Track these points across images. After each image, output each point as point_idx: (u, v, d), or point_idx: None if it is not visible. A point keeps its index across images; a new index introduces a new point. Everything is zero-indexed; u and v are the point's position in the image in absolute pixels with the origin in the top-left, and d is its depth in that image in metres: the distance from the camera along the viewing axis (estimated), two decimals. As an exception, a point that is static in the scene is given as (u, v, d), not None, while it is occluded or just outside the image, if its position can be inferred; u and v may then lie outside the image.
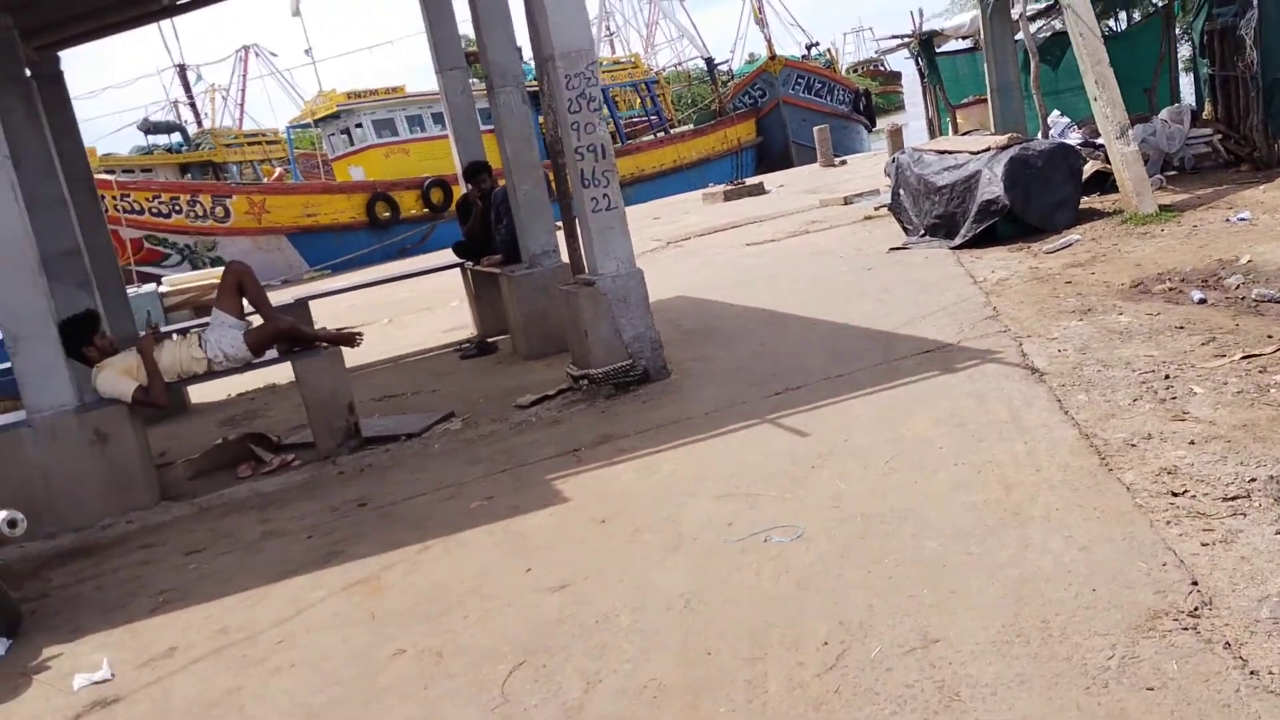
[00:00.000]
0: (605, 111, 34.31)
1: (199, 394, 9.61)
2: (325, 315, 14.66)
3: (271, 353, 6.52)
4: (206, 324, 6.55)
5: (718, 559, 3.94)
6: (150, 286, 14.38)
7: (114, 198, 22.45)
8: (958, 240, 9.91)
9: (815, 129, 27.07)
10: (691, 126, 36.61)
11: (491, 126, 8.99)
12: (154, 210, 23.18)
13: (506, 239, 9.37)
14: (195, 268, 22.56)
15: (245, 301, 6.43)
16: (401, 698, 3.40)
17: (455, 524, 4.93)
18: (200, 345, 6.27)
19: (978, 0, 13.41)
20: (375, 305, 15.22)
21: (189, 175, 31.20)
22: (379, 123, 28.72)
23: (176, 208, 23.35)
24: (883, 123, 32.12)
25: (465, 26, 10.87)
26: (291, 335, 6.48)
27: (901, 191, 11.31)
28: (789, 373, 6.54)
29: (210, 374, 6.37)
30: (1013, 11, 12.70)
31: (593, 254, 6.99)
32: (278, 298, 14.39)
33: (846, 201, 16.66)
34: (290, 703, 3.53)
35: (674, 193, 28.86)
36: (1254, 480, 3.63)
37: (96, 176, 24.43)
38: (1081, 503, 3.77)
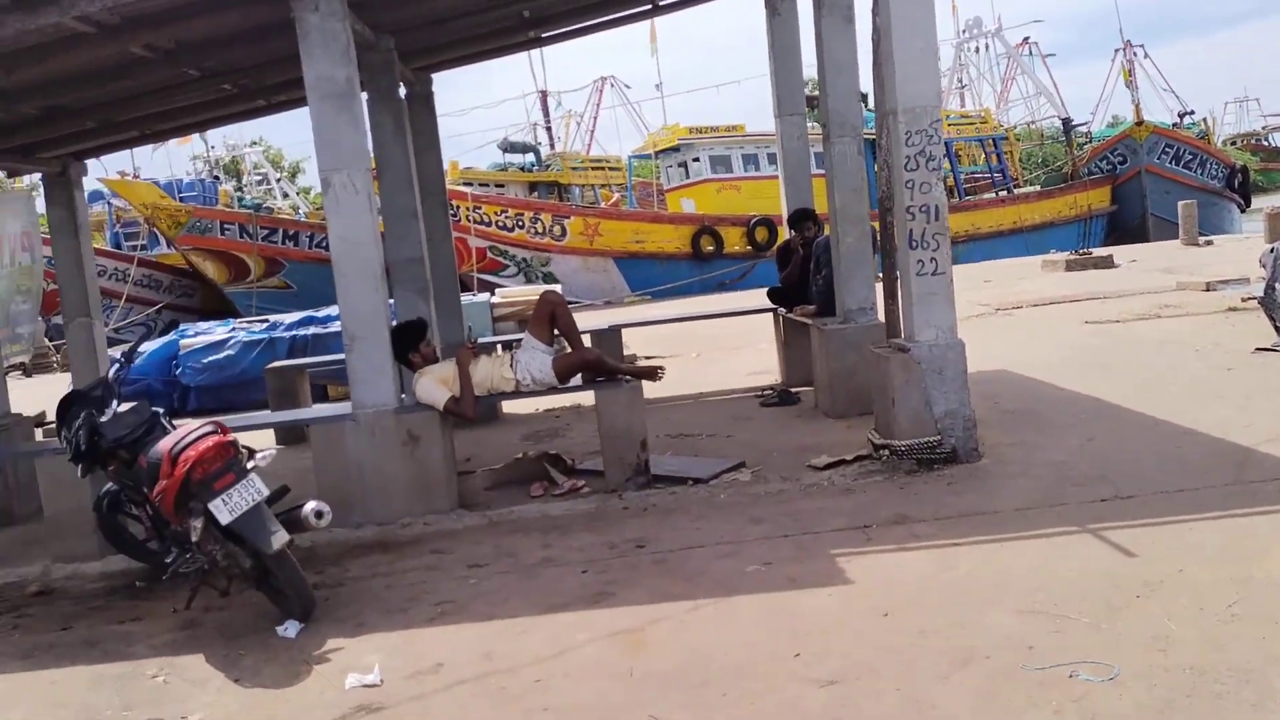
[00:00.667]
0: (946, 166, 33.20)
1: (510, 405, 10.03)
2: (638, 340, 15.04)
3: (576, 380, 6.63)
4: (519, 342, 6.78)
5: (1011, 687, 3.48)
6: (484, 296, 15.33)
7: (467, 209, 24.36)
8: (1348, 348, 8.59)
9: (1180, 203, 24.81)
10: (1038, 188, 34.71)
11: (823, 172, 8.79)
12: (500, 224, 24.92)
13: (823, 290, 9.12)
14: (529, 281, 23.99)
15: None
16: (644, 770, 3.23)
17: (729, 586, 4.73)
18: (511, 366, 6.49)
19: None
20: (686, 337, 15.39)
21: (535, 194, 33.32)
22: (715, 158, 29.37)
23: (520, 223, 24.97)
24: (1261, 203, 28.97)
25: (810, 70, 10.76)
26: (597, 366, 6.58)
27: (1278, 286, 9.97)
28: (1119, 478, 5.83)
29: (517, 393, 6.57)
30: None
31: (911, 319, 6.59)
32: (597, 319, 14.96)
33: (1209, 288, 15.00)
34: (536, 750, 3.45)
35: (1011, 255, 27.42)
36: None
37: (454, 188, 26.68)
38: None
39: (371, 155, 6.46)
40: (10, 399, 8.50)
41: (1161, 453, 6.31)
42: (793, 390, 9.59)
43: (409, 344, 6.48)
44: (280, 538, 4.67)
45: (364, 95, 8.22)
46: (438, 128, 10.11)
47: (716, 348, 14.45)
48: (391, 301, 8.45)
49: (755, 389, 10.25)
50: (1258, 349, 9.28)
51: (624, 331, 14.89)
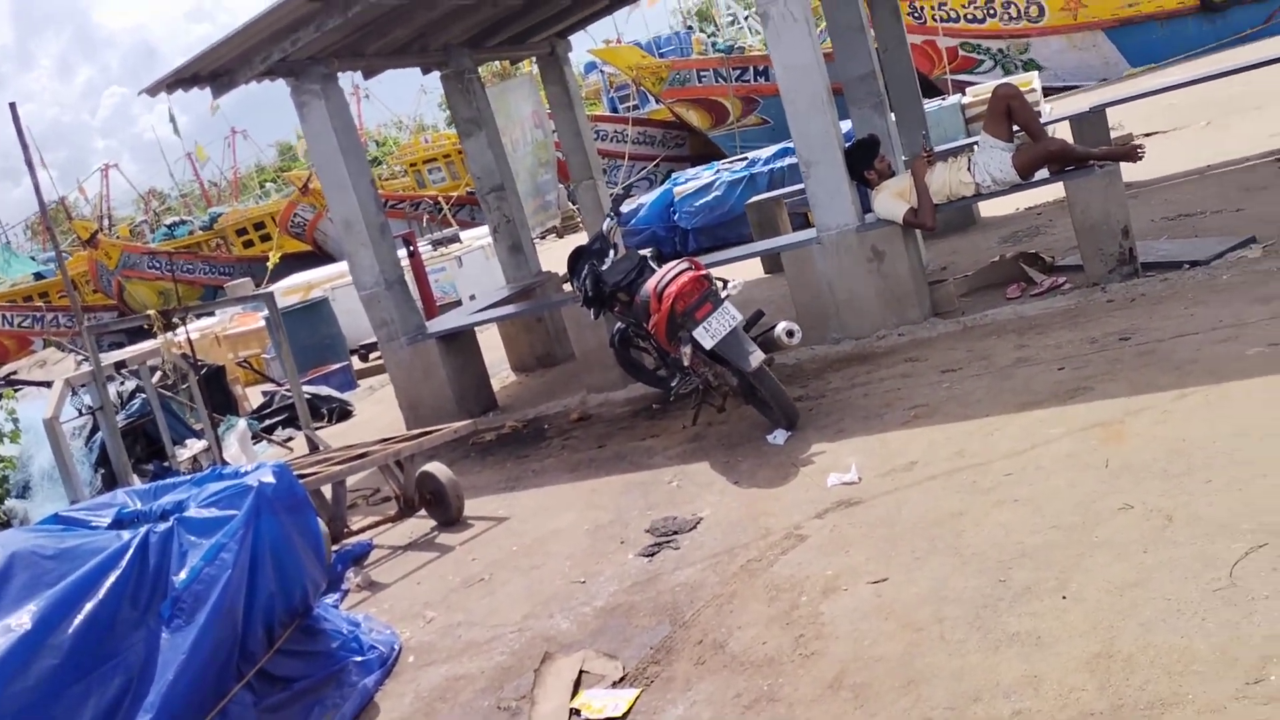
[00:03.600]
0: None
1: (988, 209, 9.70)
2: (1136, 118, 13.60)
3: (1043, 173, 6.29)
4: (975, 145, 6.54)
5: None
6: (954, 99, 14.67)
7: (932, 7, 23.03)
8: None
9: None
10: None
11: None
12: (969, 16, 23.26)
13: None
14: (1006, 74, 22.30)
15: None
16: (1117, 556, 3.22)
17: (1222, 372, 4.37)
18: (969, 169, 6.29)
19: None
20: (1197, 104, 13.60)
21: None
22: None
23: (991, 11, 23.09)
24: None
25: None
26: (1063, 156, 6.16)
27: None
28: None
29: (978, 196, 6.39)
30: None
31: None
32: (1083, 102, 13.65)
33: None
34: (1005, 537, 3.57)
35: None
36: None
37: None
38: None
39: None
40: (543, 260, 9.89)
41: None
42: (1325, 147, 8.23)
43: (863, 162, 6.53)
44: (757, 357, 5.11)
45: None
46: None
47: (1232, 111, 12.66)
48: (848, 122, 8.50)
49: (1275, 151, 8.93)
50: None
51: (1117, 111, 13.54)
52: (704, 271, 5.34)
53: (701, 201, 14.50)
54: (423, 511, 5.65)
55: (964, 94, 15.19)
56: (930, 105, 12.91)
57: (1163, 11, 22.63)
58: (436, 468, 5.53)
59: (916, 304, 6.49)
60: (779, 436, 5.25)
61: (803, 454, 4.97)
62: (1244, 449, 3.64)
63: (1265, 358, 4.40)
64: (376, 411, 9.57)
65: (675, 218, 14.88)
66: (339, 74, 7.84)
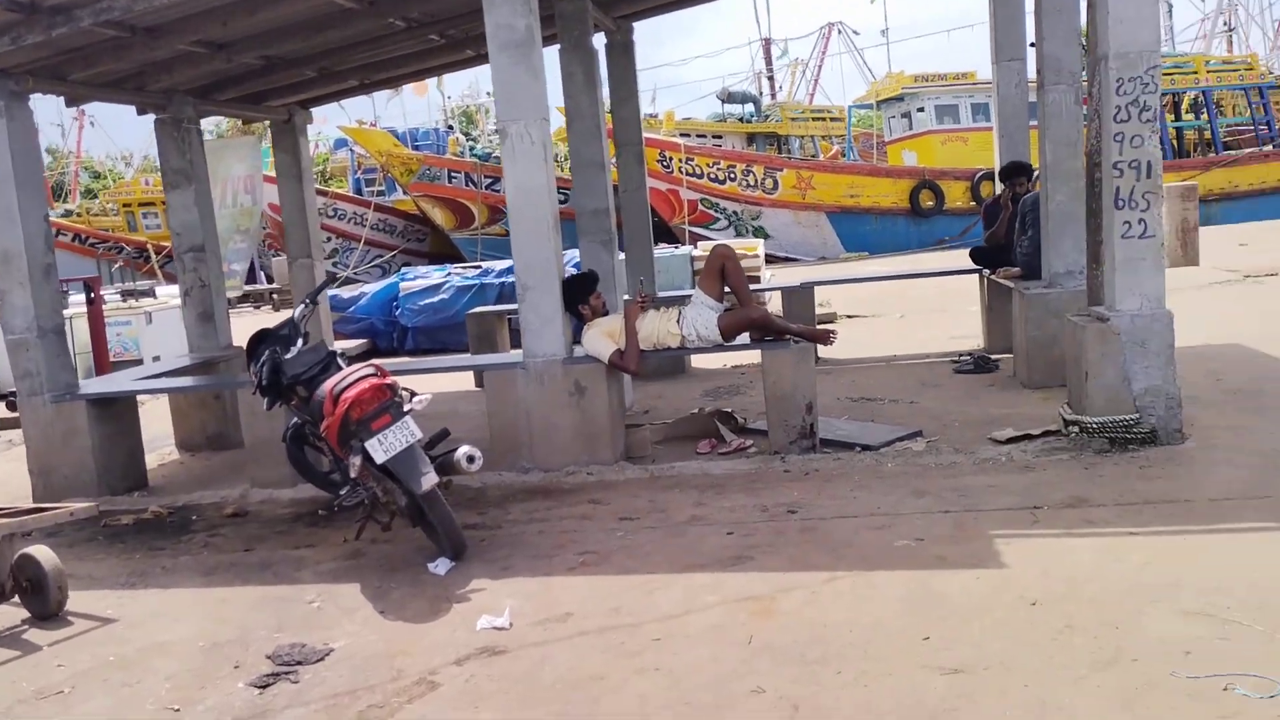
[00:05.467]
0: (1203, 118, 30.26)
1: (699, 360, 9.98)
2: (842, 298, 14.66)
3: (745, 338, 6.50)
4: (689, 298, 6.70)
5: (1153, 695, 3.15)
6: (687, 249, 15.30)
7: (680, 160, 24.31)
8: None
9: None
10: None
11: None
12: (712, 176, 24.71)
13: (1028, 252, 8.54)
14: (738, 234, 23.75)
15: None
16: (741, 744, 3.14)
17: (872, 560, 4.52)
18: (678, 322, 6.42)
19: None
20: (894, 297, 14.86)
21: (753, 145, 32.83)
22: (941, 108, 27.91)
23: (732, 175, 24.68)
24: None
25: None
26: (764, 325, 6.41)
27: None
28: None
29: (683, 349, 6.51)
30: None
31: (1114, 285, 6.05)
32: (794, 275, 14.62)
33: None
34: (638, 708, 3.42)
35: (1276, 216, 24.87)
36: None
37: (669, 139, 26.64)
38: None
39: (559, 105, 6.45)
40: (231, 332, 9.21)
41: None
42: (991, 357, 9.08)
43: (579, 295, 6.52)
44: (430, 479, 4.83)
45: (557, 45, 8.33)
46: (636, 79, 10.05)
47: (924, 309, 13.89)
48: (574, 252, 8.56)
49: (953, 354, 9.77)
50: None
51: (829, 290, 14.57)
52: (389, 380, 5.03)
53: (427, 301, 14.21)
54: (16, 599, 4.87)
55: (696, 246, 15.89)
56: (662, 251, 13.35)
57: (878, 208, 24.98)
58: (40, 551, 4.78)
59: (610, 445, 6.45)
60: (441, 566, 4.94)
61: (461, 588, 4.68)
62: (876, 642, 3.71)
63: (910, 551, 4.60)
64: (7, 471, 8.42)
65: (398, 313, 14.48)
66: (36, 94, 7.09)
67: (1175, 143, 30.90)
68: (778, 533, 5.01)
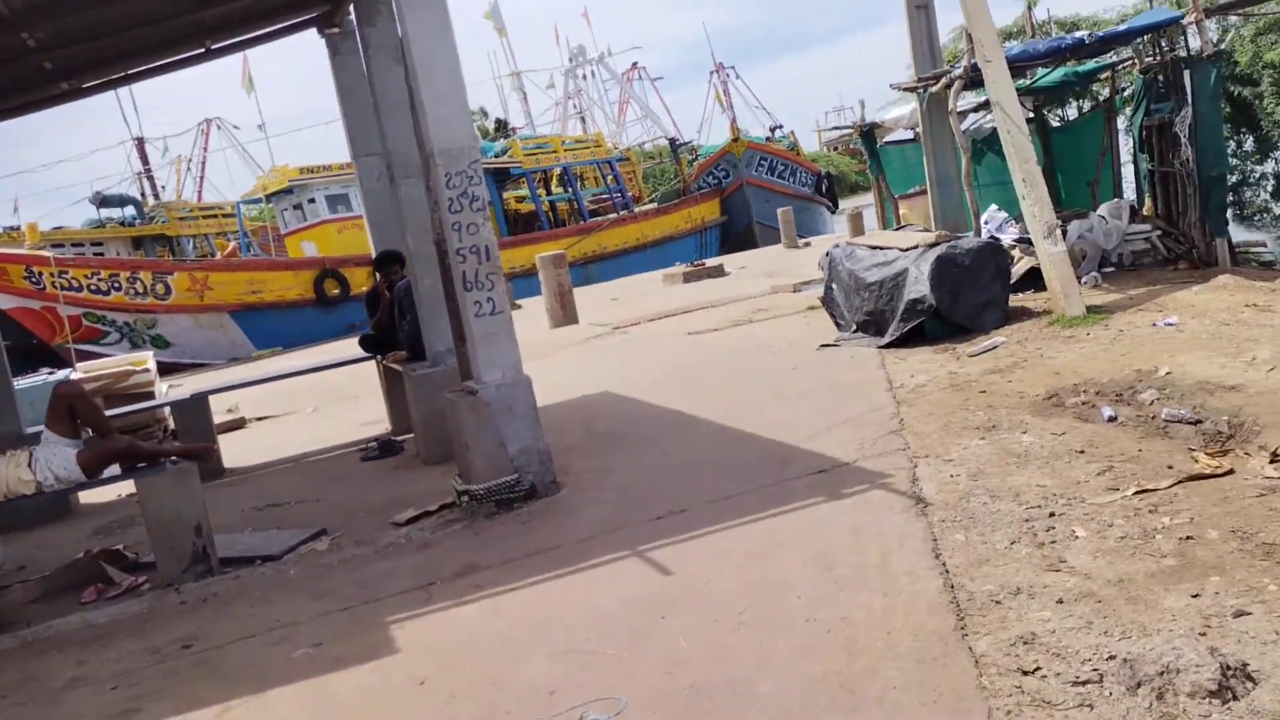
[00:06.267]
0: (565, 190, 33.86)
1: (89, 496, 9.05)
2: (252, 401, 14.18)
3: (116, 469, 6.04)
4: (40, 436, 6.08)
5: (520, 743, 3.46)
6: (63, 373, 13.82)
7: (51, 275, 21.98)
8: (886, 339, 9.57)
9: (779, 210, 27.01)
10: (656, 205, 36.60)
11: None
12: (93, 287, 22.68)
13: (410, 335, 8.98)
14: (135, 346, 22.03)
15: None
16: None
17: (268, 678, 4.43)
18: (29, 466, 5.79)
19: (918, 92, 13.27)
20: (305, 391, 14.72)
21: (141, 250, 30.76)
22: (332, 198, 28.36)
23: (116, 284, 22.84)
24: (858, 203, 32.09)
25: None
26: (131, 454, 6.01)
27: (834, 286, 11.03)
28: (680, 491, 6.11)
29: (41, 494, 5.88)
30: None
31: (477, 360, 6.59)
32: (201, 382, 13.81)
33: (796, 289, 16.40)
34: None
35: (638, 271, 28.64)
36: (1111, 658, 3.20)
37: (34, 253, 24.00)
38: (923, 680, 3.33)
39: None
40: None
41: (723, 460, 6.69)
42: (396, 439, 9.37)
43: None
44: None
45: None
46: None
47: (337, 399, 13.93)
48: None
49: (362, 441, 9.93)
50: (822, 345, 10.17)
51: (236, 393, 14.00)
52: None
53: None
54: None
55: (73, 369, 14.41)
56: (29, 380, 11.92)
57: (284, 301, 24.64)
58: None
59: (-35, 619, 5.60)
60: None
61: None
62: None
63: (308, 660, 4.59)
64: None
65: None
66: None
67: (550, 214, 34.43)
68: (169, 673, 4.71)
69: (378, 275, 9.80)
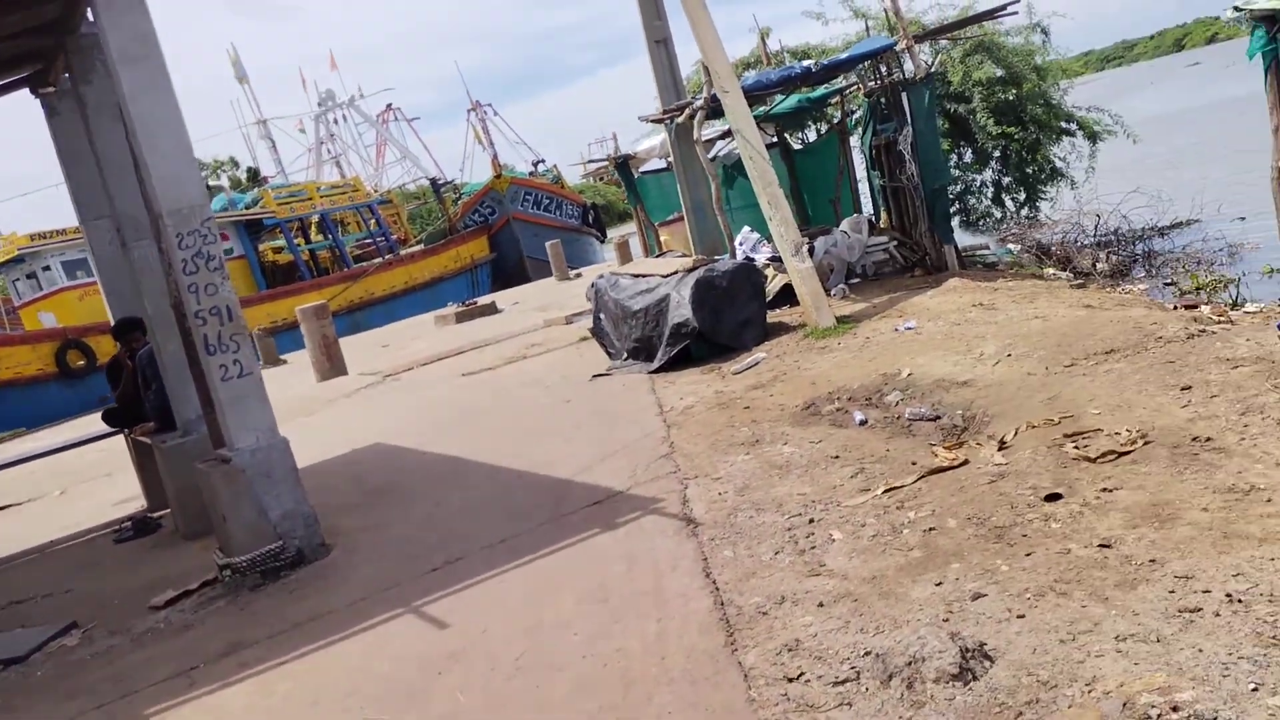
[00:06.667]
0: (317, 239, 32.68)
1: None
2: (-11, 491, 12.95)
3: None
4: None
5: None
6: None
7: None
8: (655, 364, 9.78)
9: (547, 244, 27.14)
10: (423, 246, 36.05)
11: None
12: None
13: (157, 404, 8.43)
14: None
15: None
16: None
17: (5, 800, 4.03)
18: None
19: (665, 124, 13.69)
20: (50, 473, 13.58)
21: None
22: (69, 264, 26.37)
23: None
24: (626, 232, 32.64)
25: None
26: None
27: (602, 316, 11.19)
28: (456, 540, 6.00)
29: None
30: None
31: (227, 427, 6.25)
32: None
33: (568, 321, 16.50)
34: None
35: (408, 314, 28.08)
36: (867, 654, 3.36)
37: None
38: (696, 700, 3.39)
39: None
40: None
41: (496, 503, 6.62)
42: (153, 516, 8.77)
43: None
44: None
45: None
46: None
47: (88, 478, 12.93)
48: None
49: (116, 522, 9.22)
50: (594, 375, 10.27)
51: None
52: None
53: None
54: None
55: None
56: None
57: (23, 377, 22.70)
58: None
59: None
60: None
61: None
62: None
63: (53, 771, 4.19)
64: None
65: None
66: None
67: (311, 263, 33.26)
68: (-113, 813, 4.20)
69: (119, 344, 9.17)
